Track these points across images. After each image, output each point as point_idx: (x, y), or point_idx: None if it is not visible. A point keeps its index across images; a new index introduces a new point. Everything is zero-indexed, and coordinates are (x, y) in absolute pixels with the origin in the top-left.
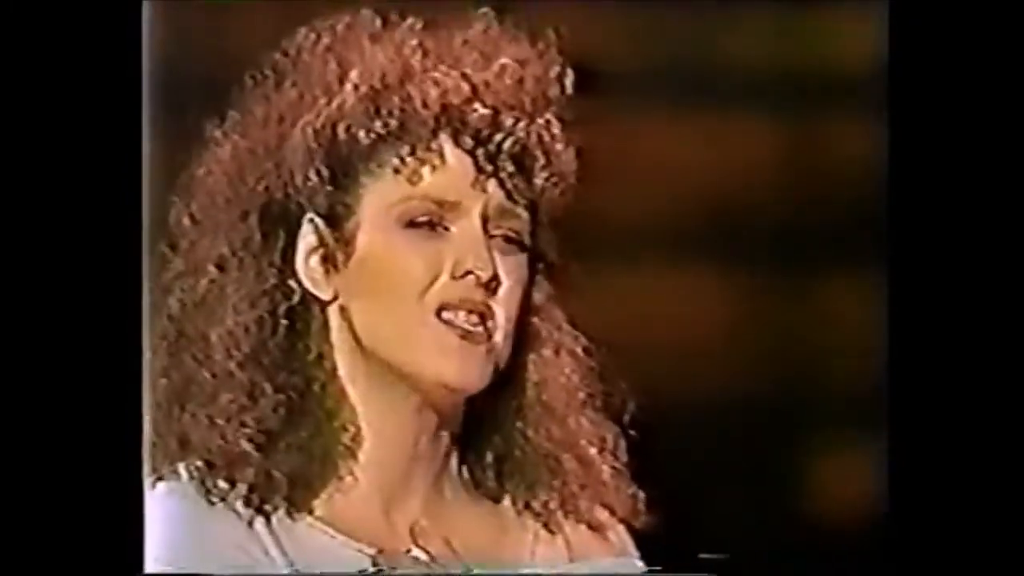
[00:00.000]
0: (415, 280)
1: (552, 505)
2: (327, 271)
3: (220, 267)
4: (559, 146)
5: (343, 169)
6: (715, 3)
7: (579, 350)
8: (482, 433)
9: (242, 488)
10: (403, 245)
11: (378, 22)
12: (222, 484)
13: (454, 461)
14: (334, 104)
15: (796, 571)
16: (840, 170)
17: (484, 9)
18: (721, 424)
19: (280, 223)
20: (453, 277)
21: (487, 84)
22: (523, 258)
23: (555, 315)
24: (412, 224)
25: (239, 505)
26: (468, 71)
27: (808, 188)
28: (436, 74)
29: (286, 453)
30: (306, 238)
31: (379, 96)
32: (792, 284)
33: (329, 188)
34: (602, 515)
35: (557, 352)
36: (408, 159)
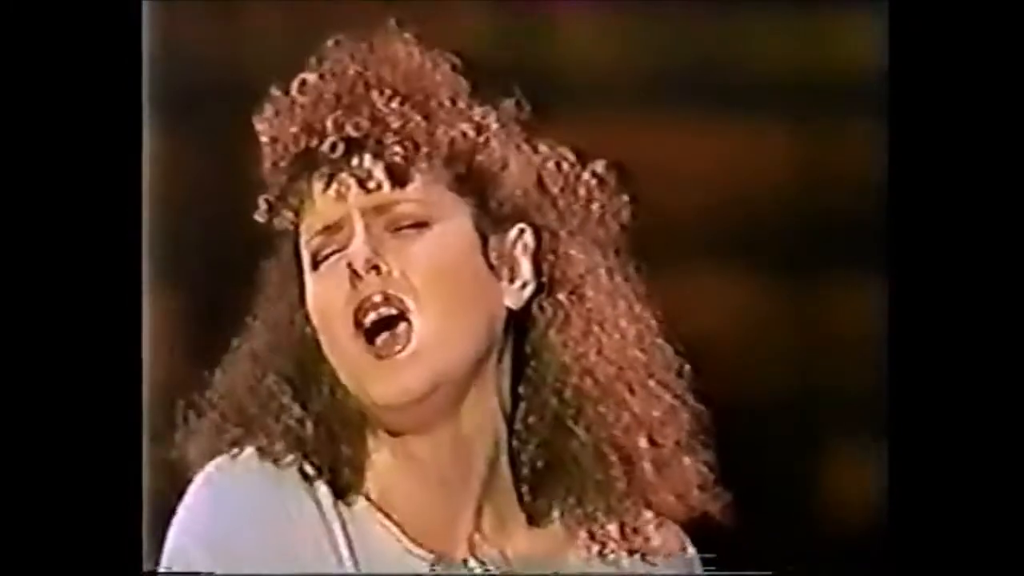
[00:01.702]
0: (333, 301)
1: (608, 521)
2: None
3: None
4: (376, 96)
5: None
6: (717, 8)
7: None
8: (530, 442)
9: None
10: (318, 283)
11: None
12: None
13: (506, 469)
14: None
15: (798, 573)
16: (840, 174)
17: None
18: (720, 429)
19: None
20: (353, 285)
21: (302, 106)
22: (434, 232)
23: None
24: (319, 263)
25: (298, 477)
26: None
27: (808, 192)
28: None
29: (329, 411)
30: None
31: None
32: (792, 288)
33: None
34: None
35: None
36: (294, 218)
